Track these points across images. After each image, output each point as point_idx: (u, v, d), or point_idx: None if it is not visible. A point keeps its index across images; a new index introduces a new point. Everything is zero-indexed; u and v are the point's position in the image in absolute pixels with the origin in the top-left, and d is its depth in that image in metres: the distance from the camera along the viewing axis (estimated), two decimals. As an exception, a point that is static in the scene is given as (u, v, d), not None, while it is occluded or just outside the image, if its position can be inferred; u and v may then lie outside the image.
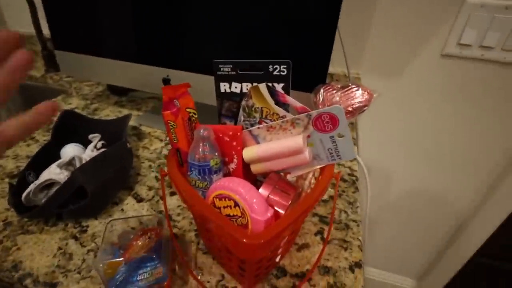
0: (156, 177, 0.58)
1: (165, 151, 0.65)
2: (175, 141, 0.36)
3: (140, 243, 0.38)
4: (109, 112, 0.79)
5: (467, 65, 0.71)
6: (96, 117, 0.76)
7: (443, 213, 0.99)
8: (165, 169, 0.46)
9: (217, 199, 0.32)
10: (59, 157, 0.54)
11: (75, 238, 0.45)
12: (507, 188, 0.84)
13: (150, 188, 0.55)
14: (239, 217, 0.31)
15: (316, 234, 0.48)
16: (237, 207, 0.31)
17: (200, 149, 0.35)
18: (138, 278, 0.36)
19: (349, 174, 0.62)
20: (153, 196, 0.53)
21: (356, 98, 0.41)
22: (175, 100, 0.35)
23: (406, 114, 0.82)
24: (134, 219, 0.44)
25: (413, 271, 1.21)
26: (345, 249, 0.46)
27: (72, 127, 0.60)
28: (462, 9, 0.64)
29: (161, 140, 0.69)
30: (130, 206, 0.51)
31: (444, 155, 0.86)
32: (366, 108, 0.41)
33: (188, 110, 0.36)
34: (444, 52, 0.70)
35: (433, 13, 0.67)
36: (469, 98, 0.75)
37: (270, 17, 0.52)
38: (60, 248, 0.43)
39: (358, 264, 0.44)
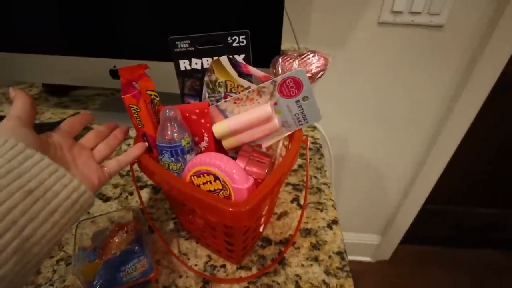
0: (119, 173, 0.54)
1: (124, 147, 0.61)
2: (140, 126, 0.34)
3: (117, 240, 0.36)
4: (51, 115, 0.71)
5: (401, 31, 0.78)
6: (36, 121, 0.68)
7: (396, 170, 1.10)
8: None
9: (195, 177, 0.32)
10: None
11: None
12: (445, 138, 0.96)
13: (115, 186, 0.51)
14: (221, 190, 0.31)
15: (292, 202, 0.50)
16: (217, 181, 0.31)
17: (169, 131, 0.33)
18: (122, 275, 0.34)
19: (312, 143, 0.65)
20: (121, 193, 0.50)
21: (313, 63, 0.42)
22: (134, 83, 0.32)
23: (353, 82, 0.88)
24: (103, 217, 0.41)
25: (376, 227, 1.33)
26: (321, 210, 0.49)
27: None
28: (392, -22, 0.70)
29: (118, 137, 0.64)
30: (97, 207, 0.47)
31: (390, 116, 0.94)
32: (323, 72, 0.43)
33: (149, 92, 0.34)
34: (380, 20, 0.76)
35: (367, -17, 0.72)
36: (403, 62, 0.83)
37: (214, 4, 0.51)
38: (23, 265, 0.39)
39: (335, 221, 0.47)
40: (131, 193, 0.50)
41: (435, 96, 0.88)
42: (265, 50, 0.55)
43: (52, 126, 0.57)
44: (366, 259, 1.42)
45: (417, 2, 0.72)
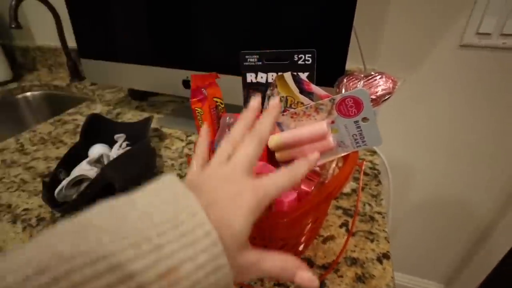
0: (179, 174, 0.59)
1: (186, 150, 0.66)
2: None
3: None
4: (131, 116, 0.82)
5: (487, 55, 0.69)
6: (119, 120, 0.79)
7: (468, 212, 0.96)
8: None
9: (244, 184, 0.33)
10: (87, 157, 0.56)
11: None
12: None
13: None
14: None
15: (341, 227, 0.48)
16: (265, 191, 0.32)
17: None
18: None
19: (370, 168, 0.61)
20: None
21: (379, 85, 0.41)
22: (202, 89, 0.36)
23: (425, 109, 0.81)
24: None
25: (439, 275, 1.16)
26: (371, 240, 0.45)
27: (98, 130, 0.63)
28: (480, -2, 0.63)
29: (182, 140, 0.70)
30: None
31: (466, 150, 0.84)
32: (390, 95, 0.41)
33: (215, 99, 0.37)
34: (463, 42, 0.69)
35: (448, 3, 0.67)
36: (489, 89, 0.73)
37: (287, 15, 0.53)
38: (91, 241, 0.45)
39: (386, 256, 0.43)
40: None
41: (528, 131, 0.76)
42: (329, 69, 0.55)
43: (131, 126, 0.66)
44: (424, 309, 1.25)
45: (511, 23, 0.64)
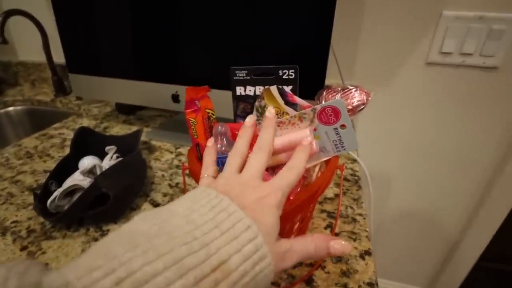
0: (169, 184, 0.61)
1: (176, 162, 0.68)
2: (195, 137, 0.39)
3: None
4: (119, 130, 0.83)
5: (450, 72, 0.77)
6: (107, 133, 0.80)
7: (445, 215, 1.02)
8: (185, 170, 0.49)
9: (237, 187, 0.36)
10: (77, 169, 0.57)
11: (97, 241, 0.47)
12: (501, 187, 0.88)
13: (165, 195, 0.58)
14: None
15: (325, 228, 0.51)
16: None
17: (219, 144, 0.38)
18: None
19: (351, 175, 0.65)
20: (169, 201, 0.56)
21: (355, 97, 0.45)
22: (196, 101, 0.39)
23: (397, 121, 0.87)
24: None
25: (420, 279, 1.21)
26: (354, 239, 0.49)
27: (88, 142, 0.64)
28: (440, 22, 0.72)
29: (171, 152, 0.72)
30: (147, 210, 0.53)
31: (438, 159, 0.90)
32: (364, 106, 0.46)
33: (207, 110, 0.40)
34: (428, 60, 0.77)
35: (414, 26, 0.75)
36: (454, 102, 0.81)
37: (272, 34, 0.58)
38: (83, 250, 0.45)
39: (368, 252, 0.47)
40: (177, 202, 0.56)
41: (489, 140, 0.84)
42: (311, 84, 0.60)
43: (121, 139, 0.67)
44: (408, 314, 1.28)
45: (468, 43, 0.72)
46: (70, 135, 0.81)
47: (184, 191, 0.42)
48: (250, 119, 0.32)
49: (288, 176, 0.27)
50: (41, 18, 0.97)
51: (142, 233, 0.18)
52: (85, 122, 0.88)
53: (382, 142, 0.92)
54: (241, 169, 0.27)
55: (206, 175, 0.30)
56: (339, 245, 0.24)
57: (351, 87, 0.46)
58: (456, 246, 1.07)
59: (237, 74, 0.41)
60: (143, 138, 0.78)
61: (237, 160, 0.28)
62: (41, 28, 0.97)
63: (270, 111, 0.32)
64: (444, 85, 0.79)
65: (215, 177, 0.29)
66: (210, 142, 0.34)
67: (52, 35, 1.00)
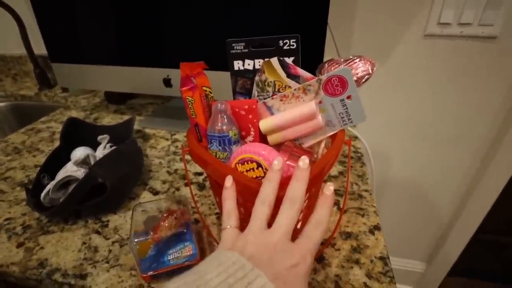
0: (168, 171, 0.58)
1: (172, 149, 0.66)
2: (193, 116, 0.37)
3: (167, 224, 0.38)
4: (110, 120, 0.80)
5: (449, 43, 0.76)
6: (98, 123, 0.77)
7: (444, 192, 1.03)
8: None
9: (240, 164, 0.34)
10: (69, 161, 0.54)
11: (98, 232, 0.45)
12: (498, 160, 0.89)
13: (164, 182, 0.55)
14: (262, 177, 0.33)
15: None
16: (260, 168, 0.33)
17: (219, 122, 0.36)
18: (169, 258, 0.37)
19: (353, 152, 0.64)
20: (168, 189, 0.54)
21: (359, 67, 0.43)
22: (192, 78, 0.36)
23: (396, 96, 0.86)
24: (153, 206, 0.44)
25: (421, 254, 1.23)
26: (362, 215, 0.48)
27: (78, 133, 0.61)
28: (438, -10, 0.69)
29: (167, 139, 0.70)
30: (147, 199, 0.51)
31: (436, 132, 0.90)
32: (369, 76, 0.44)
33: (204, 88, 0.38)
34: (426, 32, 0.75)
35: (412, -3, 0.72)
36: (452, 74, 0.80)
37: (266, 7, 0.55)
38: (84, 243, 0.43)
39: (377, 227, 0.46)
40: (178, 189, 0.54)
41: (487, 112, 0.83)
42: (309, 58, 0.57)
43: (113, 128, 0.64)
44: (409, 288, 1.31)
45: (467, 13, 0.70)
46: (58, 128, 0.77)
47: (186, 176, 0.40)
48: (278, 163, 0.29)
49: (315, 235, 0.26)
50: (16, 8, 0.91)
51: None
52: (74, 114, 0.84)
53: (381, 117, 0.91)
54: (268, 221, 0.27)
55: (229, 226, 0.28)
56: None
57: (355, 57, 0.44)
58: (454, 220, 1.08)
59: (234, 47, 0.39)
60: (136, 127, 0.75)
61: (265, 211, 0.27)
62: (17, 18, 0.91)
63: (304, 160, 0.29)
64: (443, 57, 0.78)
65: (237, 228, 0.28)
66: (229, 181, 0.30)
67: (30, 25, 0.94)
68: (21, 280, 0.40)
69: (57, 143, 0.69)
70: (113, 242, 0.43)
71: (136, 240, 0.35)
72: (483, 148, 0.90)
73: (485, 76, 0.78)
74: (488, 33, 0.72)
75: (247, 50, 0.39)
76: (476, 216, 1.04)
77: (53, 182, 0.46)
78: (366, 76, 0.43)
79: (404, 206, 1.09)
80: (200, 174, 0.57)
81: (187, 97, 0.36)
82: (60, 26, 0.71)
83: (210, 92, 0.39)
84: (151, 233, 0.37)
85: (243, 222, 0.40)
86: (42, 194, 0.45)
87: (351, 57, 0.44)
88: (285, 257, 0.23)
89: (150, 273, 0.37)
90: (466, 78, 0.79)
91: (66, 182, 0.47)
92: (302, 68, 0.43)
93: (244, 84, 0.41)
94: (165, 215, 0.40)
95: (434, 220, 1.12)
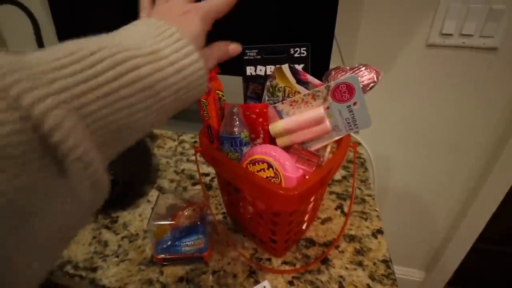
0: (175, 171, 0.60)
1: (179, 149, 0.67)
2: (206, 118, 0.39)
3: (186, 213, 0.40)
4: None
5: (451, 53, 0.78)
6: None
7: (444, 199, 1.04)
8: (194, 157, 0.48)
9: (251, 165, 0.35)
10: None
11: (107, 227, 0.46)
12: (499, 169, 0.90)
13: (171, 181, 0.57)
14: (273, 177, 0.34)
15: (336, 209, 0.51)
16: (270, 169, 0.34)
17: (231, 124, 0.38)
18: (182, 245, 0.38)
19: (357, 157, 0.66)
20: (176, 188, 0.55)
21: (364, 75, 0.45)
22: (206, 81, 0.38)
23: (398, 104, 0.88)
24: (177, 196, 0.45)
25: (420, 262, 1.23)
26: (365, 219, 0.49)
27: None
28: (441, 3, 0.72)
29: (174, 140, 0.71)
30: (155, 197, 0.53)
31: (437, 141, 0.91)
32: (374, 84, 0.45)
33: (217, 92, 0.39)
34: (429, 42, 0.77)
35: (414, 8, 0.74)
36: (454, 84, 0.81)
37: (278, 17, 0.57)
38: (94, 237, 0.44)
39: (380, 231, 0.47)
40: (185, 188, 0.55)
41: (488, 121, 0.85)
42: (316, 66, 0.59)
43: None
44: (408, 296, 1.31)
45: (468, 24, 0.72)
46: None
47: (198, 175, 0.42)
48: None
49: None
50: (30, 6, 0.93)
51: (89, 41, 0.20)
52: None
53: (383, 125, 0.92)
54: None
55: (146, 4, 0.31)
56: (235, 48, 0.33)
57: (360, 66, 0.46)
58: (454, 229, 1.09)
59: (248, 54, 0.40)
60: (144, 127, 0.77)
61: None
62: (31, 16, 0.93)
63: None
64: (444, 67, 0.80)
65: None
66: None
67: (43, 24, 0.96)
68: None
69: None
70: (122, 238, 0.44)
71: (154, 223, 0.37)
72: (484, 157, 0.91)
73: (486, 86, 0.80)
74: (489, 44, 0.74)
75: (259, 56, 0.40)
76: (476, 225, 1.05)
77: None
78: (372, 84, 0.45)
79: (403, 214, 1.10)
80: (207, 175, 0.58)
81: (202, 100, 0.38)
82: (76, 26, 0.73)
83: (223, 96, 0.41)
84: (170, 219, 0.39)
85: (251, 221, 0.42)
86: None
87: (357, 65, 0.46)
88: (179, 9, 0.26)
89: (162, 256, 0.39)
90: (468, 87, 0.81)
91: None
92: (311, 75, 0.44)
93: (255, 89, 0.42)
94: (186, 204, 0.41)
95: (433, 229, 1.12)
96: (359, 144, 0.70)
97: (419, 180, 1.00)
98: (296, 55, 0.40)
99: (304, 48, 0.40)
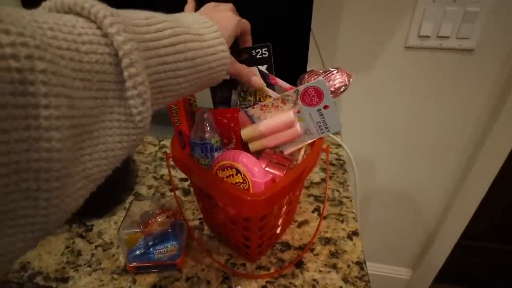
0: (154, 177, 0.59)
1: (160, 154, 0.67)
2: (177, 124, 0.39)
3: (159, 220, 0.40)
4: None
5: (428, 55, 0.79)
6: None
7: (427, 198, 1.05)
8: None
9: (220, 170, 0.35)
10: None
11: (81, 236, 0.46)
12: (480, 167, 0.92)
13: (150, 187, 0.56)
14: (241, 183, 0.34)
15: (313, 212, 0.51)
16: (238, 174, 0.34)
17: (202, 129, 0.38)
18: (154, 253, 0.38)
19: (336, 159, 0.66)
20: (154, 194, 0.55)
21: (336, 79, 0.45)
22: (176, 87, 0.38)
23: (377, 105, 0.89)
24: (152, 203, 0.45)
25: (407, 260, 1.25)
26: (342, 221, 0.49)
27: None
28: (417, 5, 0.73)
29: (154, 145, 0.71)
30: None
31: (418, 140, 0.93)
32: (346, 87, 0.46)
33: (188, 97, 0.39)
34: (407, 44, 0.78)
35: (393, 11, 0.75)
36: (432, 85, 0.83)
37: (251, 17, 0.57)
38: (67, 247, 0.44)
39: (355, 233, 0.47)
40: (163, 194, 0.55)
41: (467, 121, 0.86)
42: (293, 69, 0.60)
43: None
44: (396, 294, 1.32)
45: (445, 26, 0.73)
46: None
47: (170, 180, 0.42)
48: None
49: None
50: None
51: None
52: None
53: (363, 126, 0.93)
54: None
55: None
56: (259, 82, 0.37)
57: (332, 69, 0.46)
58: (438, 226, 1.10)
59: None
60: (125, 132, 0.76)
61: None
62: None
63: None
64: (423, 69, 0.81)
65: None
66: None
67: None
68: (3, 283, 0.40)
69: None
70: (96, 246, 0.44)
71: (124, 231, 0.37)
72: (465, 155, 0.93)
73: (463, 86, 0.81)
74: (465, 46, 0.75)
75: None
76: (459, 222, 1.07)
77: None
78: (343, 87, 0.45)
79: (389, 213, 1.12)
80: (185, 180, 0.58)
81: (171, 106, 0.38)
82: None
83: (194, 101, 0.41)
84: (142, 227, 0.39)
85: (222, 226, 0.41)
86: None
87: (329, 69, 0.47)
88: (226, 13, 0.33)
89: (135, 264, 0.38)
90: (446, 88, 0.83)
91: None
92: (286, 78, 0.45)
93: (223, 95, 0.42)
94: (159, 211, 0.41)
95: (419, 227, 1.14)
96: (339, 145, 0.70)
97: (402, 179, 1.02)
98: (258, 56, 0.41)
99: (265, 49, 0.40)
